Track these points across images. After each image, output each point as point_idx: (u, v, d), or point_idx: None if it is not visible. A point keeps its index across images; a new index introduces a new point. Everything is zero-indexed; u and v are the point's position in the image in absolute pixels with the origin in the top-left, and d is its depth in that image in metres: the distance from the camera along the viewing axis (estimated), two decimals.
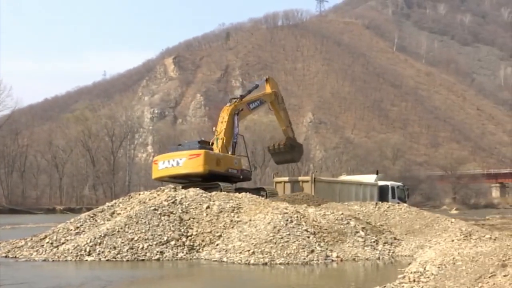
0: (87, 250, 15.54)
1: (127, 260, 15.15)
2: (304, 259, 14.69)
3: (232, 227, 16.79)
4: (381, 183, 33.03)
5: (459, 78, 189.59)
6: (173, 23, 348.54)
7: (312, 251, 15.08)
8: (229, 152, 25.67)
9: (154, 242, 15.85)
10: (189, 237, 16.39)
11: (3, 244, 18.03)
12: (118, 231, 16.17)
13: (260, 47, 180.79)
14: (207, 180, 24.22)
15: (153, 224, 16.50)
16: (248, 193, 20.65)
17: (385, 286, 10.21)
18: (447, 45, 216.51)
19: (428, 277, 10.33)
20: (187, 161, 24.08)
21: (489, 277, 8.86)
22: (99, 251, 15.48)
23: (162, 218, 16.83)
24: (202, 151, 24.14)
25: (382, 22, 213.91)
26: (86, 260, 15.21)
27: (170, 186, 20.51)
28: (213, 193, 19.84)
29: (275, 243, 15.17)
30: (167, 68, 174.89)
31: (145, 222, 16.56)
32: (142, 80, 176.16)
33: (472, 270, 9.74)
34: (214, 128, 27.09)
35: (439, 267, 10.75)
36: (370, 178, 33.51)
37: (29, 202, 66.22)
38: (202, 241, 16.34)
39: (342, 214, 18.02)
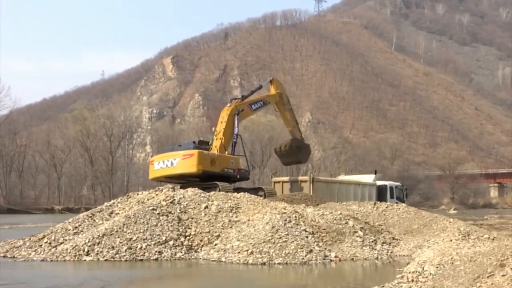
0: (86, 250, 15.54)
1: (126, 260, 15.15)
2: (303, 259, 14.70)
3: (231, 227, 16.80)
4: (379, 183, 33.01)
5: (457, 78, 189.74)
6: (172, 23, 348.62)
7: (311, 251, 15.09)
8: (227, 152, 25.68)
9: (153, 242, 15.85)
10: (188, 237, 16.40)
11: (2, 244, 18.02)
12: (117, 231, 16.16)
13: (258, 47, 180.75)
14: (204, 180, 24.27)
15: (151, 224, 16.50)
16: (246, 193, 20.66)
17: (383, 286, 10.22)
18: (446, 45, 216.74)
19: (426, 277, 10.34)
20: (181, 161, 24.20)
21: (488, 277, 8.87)
22: (97, 251, 15.47)
23: (161, 218, 16.83)
24: (195, 151, 24.21)
25: (381, 22, 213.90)
26: (85, 260, 15.21)
27: (169, 186, 20.52)
28: (212, 193, 19.85)
29: (274, 243, 15.17)
30: (165, 68, 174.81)
31: (143, 222, 16.55)
32: (141, 80, 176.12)
33: (471, 270, 9.75)
34: (213, 128, 27.14)
35: (437, 267, 10.76)
36: (369, 178, 33.51)
37: (28, 202, 66.09)
38: (201, 241, 16.34)
39: (341, 214, 18.03)
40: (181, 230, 16.56)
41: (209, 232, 16.64)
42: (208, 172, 24.18)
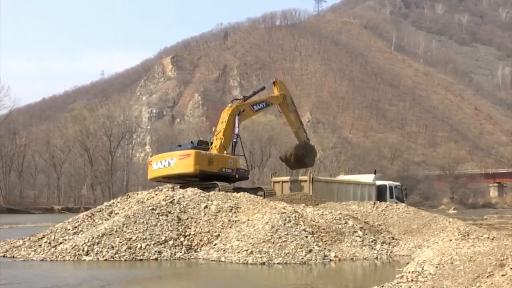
0: (85, 249, 15.52)
1: (125, 260, 15.14)
2: (302, 258, 14.69)
3: (230, 227, 16.80)
4: (379, 182, 33.01)
5: (457, 78, 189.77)
6: (171, 23, 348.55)
7: (310, 250, 15.08)
8: (225, 152, 25.68)
9: (152, 242, 15.84)
10: (187, 237, 16.39)
11: (1, 244, 18.00)
12: (116, 231, 16.15)
13: (258, 46, 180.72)
14: (202, 180, 24.30)
15: (151, 223, 16.49)
16: (246, 192, 20.67)
17: (383, 286, 10.21)
18: (445, 45, 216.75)
19: (426, 277, 10.34)
20: (178, 161, 24.25)
21: (487, 276, 8.87)
22: (97, 251, 15.46)
23: (160, 217, 16.82)
24: (192, 151, 24.24)
25: (380, 22, 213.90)
26: (84, 260, 15.20)
27: (168, 186, 20.52)
28: (211, 192, 19.86)
29: (273, 242, 15.16)
30: (165, 68, 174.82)
31: (143, 221, 16.55)
32: (140, 80, 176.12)
33: (470, 269, 9.75)
34: (214, 129, 27.19)
35: (437, 267, 10.76)
36: (368, 178, 33.51)
37: (27, 201, 66.11)
38: (200, 240, 16.33)
39: (340, 213, 18.03)
40: (180, 230, 16.55)
41: (208, 232, 16.64)
42: (205, 172, 24.19)
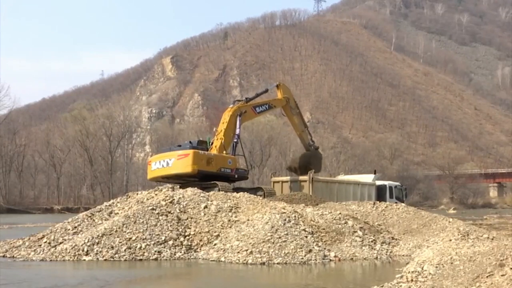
0: (85, 249, 15.51)
1: (125, 260, 15.13)
2: (302, 258, 14.69)
3: (230, 227, 16.79)
4: (378, 182, 33.03)
5: (456, 78, 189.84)
6: (171, 23, 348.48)
7: (310, 250, 15.08)
8: (225, 152, 25.67)
9: (152, 242, 15.83)
10: (187, 237, 16.38)
11: (1, 244, 17.98)
12: (116, 231, 16.14)
13: (258, 46, 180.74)
14: (201, 180, 24.29)
15: (151, 223, 16.48)
16: (246, 192, 20.66)
17: (383, 286, 10.21)
18: (445, 45, 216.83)
19: (426, 277, 10.33)
20: (176, 162, 24.25)
21: (487, 276, 8.87)
22: (97, 251, 15.45)
23: (160, 217, 16.81)
24: (190, 151, 24.23)
25: (380, 22, 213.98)
26: (84, 260, 15.19)
27: (168, 186, 20.51)
28: (211, 192, 19.86)
29: (273, 242, 15.16)
30: (164, 68, 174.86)
31: (143, 222, 16.53)
32: (140, 80, 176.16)
33: (470, 269, 9.75)
34: (214, 129, 27.21)
35: (436, 267, 10.75)
36: (368, 178, 33.53)
37: (27, 201, 66.09)
38: (200, 240, 16.33)
39: (340, 213, 18.03)
40: (180, 230, 16.54)
41: (208, 232, 16.63)
42: (204, 172, 24.19)
